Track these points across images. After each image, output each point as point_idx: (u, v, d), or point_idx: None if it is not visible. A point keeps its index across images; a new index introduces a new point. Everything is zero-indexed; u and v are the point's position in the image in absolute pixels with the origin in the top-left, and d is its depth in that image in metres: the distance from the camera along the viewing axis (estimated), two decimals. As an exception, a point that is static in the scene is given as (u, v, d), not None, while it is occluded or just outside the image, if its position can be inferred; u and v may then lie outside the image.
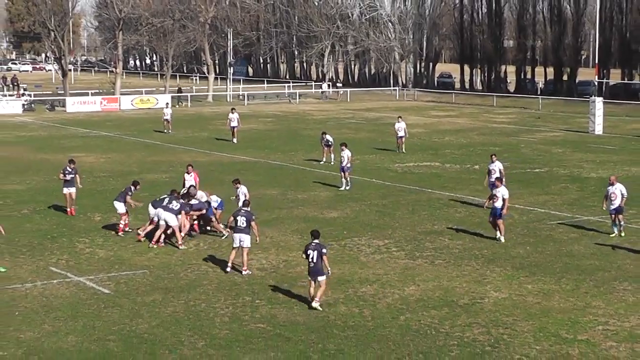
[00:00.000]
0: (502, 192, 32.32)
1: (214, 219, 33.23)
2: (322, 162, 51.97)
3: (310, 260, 24.40)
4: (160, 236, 31.50)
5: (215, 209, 33.56)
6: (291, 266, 29.33)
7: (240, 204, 30.81)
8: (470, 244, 31.71)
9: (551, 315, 24.21)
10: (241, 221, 28.04)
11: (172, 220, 31.46)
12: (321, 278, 24.36)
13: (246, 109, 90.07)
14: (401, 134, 56.77)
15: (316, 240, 24.58)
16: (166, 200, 31.87)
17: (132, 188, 33.67)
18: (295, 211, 37.98)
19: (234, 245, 28.13)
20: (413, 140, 63.11)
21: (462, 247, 31.24)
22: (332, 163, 50.95)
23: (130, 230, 33.18)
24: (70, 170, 36.87)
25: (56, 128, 73.44)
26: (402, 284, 26.90)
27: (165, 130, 68.45)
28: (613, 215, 33.18)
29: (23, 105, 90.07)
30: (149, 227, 32.18)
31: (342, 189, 43.74)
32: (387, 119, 78.24)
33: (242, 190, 33.06)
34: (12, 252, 30.66)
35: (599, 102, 69.67)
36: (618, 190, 32.85)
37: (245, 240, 28.06)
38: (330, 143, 52.23)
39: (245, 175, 47.65)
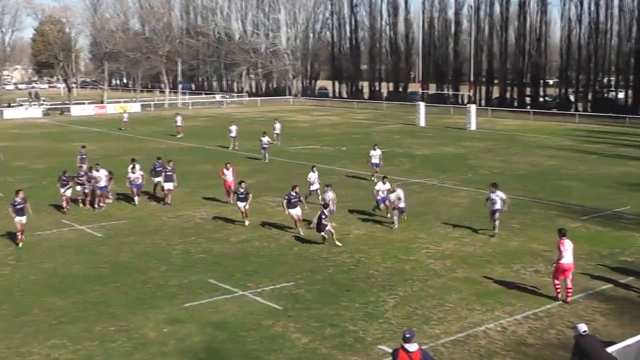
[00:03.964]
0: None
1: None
2: (230, 149, 50.64)
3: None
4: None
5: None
6: (222, 216, 29.24)
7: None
8: (339, 198, 31.63)
9: (392, 244, 24.55)
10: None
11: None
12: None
13: (191, 112, 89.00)
14: (277, 131, 54.21)
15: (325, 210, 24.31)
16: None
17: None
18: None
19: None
20: (301, 131, 63.12)
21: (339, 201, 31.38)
22: (236, 148, 50.29)
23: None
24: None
25: (65, 126, 71.71)
26: (295, 227, 26.98)
27: (176, 134, 60.28)
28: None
29: (42, 111, 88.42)
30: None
31: (263, 161, 44.42)
32: (285, 118, 78.02)
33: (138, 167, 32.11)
34: (36, 210, 29.79)
35: (422, 105, 70.52)
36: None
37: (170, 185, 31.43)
38: (232, 133, 51.11)
39: (189, 156, 47.42)
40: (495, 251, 23.56)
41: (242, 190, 27.35)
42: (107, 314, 18.15)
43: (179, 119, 61.24)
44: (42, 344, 16.30)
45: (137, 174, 31.46)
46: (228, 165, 32.14)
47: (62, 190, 30.09)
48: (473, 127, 64.97)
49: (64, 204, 30.05)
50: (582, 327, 12.87)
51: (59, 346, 16.19)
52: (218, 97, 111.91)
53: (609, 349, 12.83)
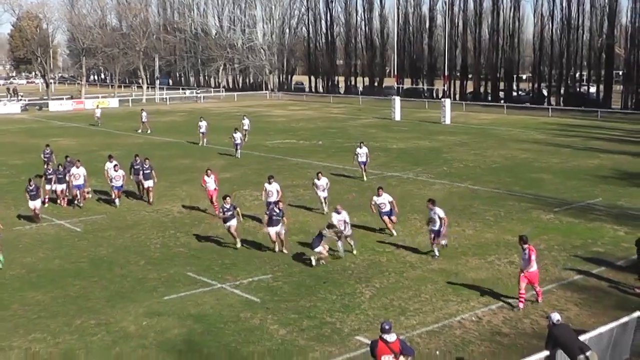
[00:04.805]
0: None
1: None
2: (199, 145, 49.96)
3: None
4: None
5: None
6: (200, 210, 29.22)
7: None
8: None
9: (368, 237, 24.63)
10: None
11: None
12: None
13: (168, 107, 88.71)
14: (246, 127, 52.30)
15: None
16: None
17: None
18: (201, 173, 37.49)
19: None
20: (277, 126, 63.07)
21: (311, 195, 31.06)
22: (204, 145, 49.48)
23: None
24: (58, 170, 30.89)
25: (43, 122, 71.07)
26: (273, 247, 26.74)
27: (140, 130, 59.54)
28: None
29: (21, 107, 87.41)
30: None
31: (236, 156, 43.76)
32: (262, 112, 78.04)
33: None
34: (16, 205, 29.89)
35: (397, 99, 70.70)
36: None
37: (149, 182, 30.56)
38: (201, 129, 50.30)
39: (167, 150, 47.23)
40: (470, 243, 23.77)
41: (227, 207, 23.20)
42: (87, 308, 18.12)
43: (144, 114, 60.99)
44: (23, 338, 16.25)
45: (119, 172, 30.28)
46: (209, 171, 28.70)
47: (30, 203, 27.49)
48: (448, 121, 65.22)
49: (34, 215, 27.60)
50: (556, 317, 13.09)
51: (39, 340, 16.16)
52: (187, 93, 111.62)
53: (582, 338, 13.05)
